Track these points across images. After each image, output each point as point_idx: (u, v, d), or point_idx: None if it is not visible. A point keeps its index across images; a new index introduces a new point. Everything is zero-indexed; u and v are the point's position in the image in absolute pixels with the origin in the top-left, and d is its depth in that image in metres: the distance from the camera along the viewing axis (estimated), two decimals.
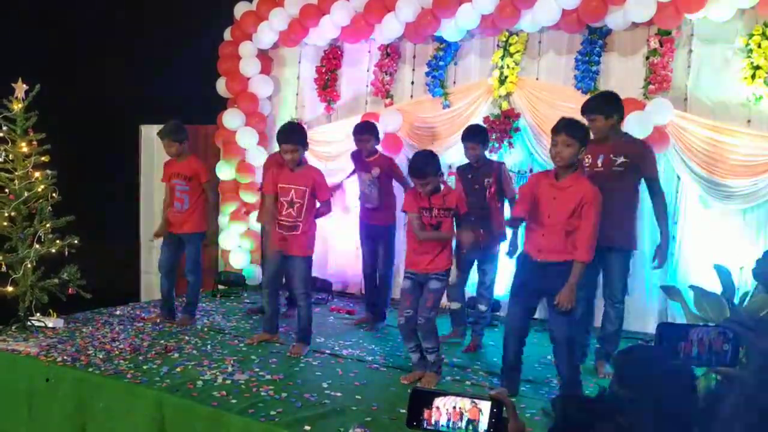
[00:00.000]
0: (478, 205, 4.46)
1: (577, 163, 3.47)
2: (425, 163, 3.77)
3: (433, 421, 1.43)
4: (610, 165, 3.94)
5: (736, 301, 3.97)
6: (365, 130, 5.03)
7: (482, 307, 4.69)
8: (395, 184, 5.12)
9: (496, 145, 5.40)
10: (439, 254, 3.81)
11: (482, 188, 4.54)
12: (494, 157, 5.21)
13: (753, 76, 4.53)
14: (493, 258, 4.67)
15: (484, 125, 5.24)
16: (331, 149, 6.14)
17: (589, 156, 3.98)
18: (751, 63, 4.53)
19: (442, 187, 3.84)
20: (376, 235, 5.13)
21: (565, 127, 3.39)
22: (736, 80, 4.64)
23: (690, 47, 4.83)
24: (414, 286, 3.85)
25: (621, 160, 3.92)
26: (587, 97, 5.00)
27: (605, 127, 3.95)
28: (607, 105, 3.97)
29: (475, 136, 4.62)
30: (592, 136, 3.97)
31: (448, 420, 1.42)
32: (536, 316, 5.11)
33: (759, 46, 4.49)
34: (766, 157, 4.47)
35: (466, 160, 4.75)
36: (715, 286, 4.02)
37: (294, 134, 4.34)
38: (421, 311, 3.80)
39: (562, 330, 3.47)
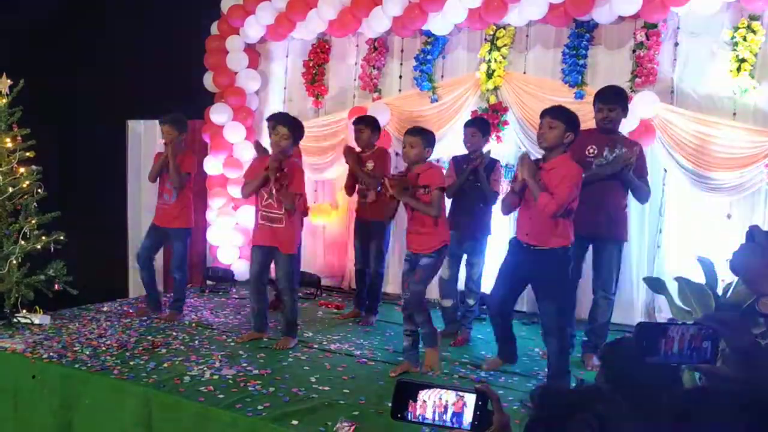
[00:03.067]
0: (469, 197, 4.47)
1: (564, 146, 3.50)
2: (424, 129, 3.97)
3: (417, 414, 1.42)
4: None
5: (719, 292, 4.00)
6: (361, 121, 5.09)
7: (470, 301, 4.70)
8: None
9: None
10: (427, 234, 3.84)
11: (476, 180, 4.54)
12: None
13: (738, 69, 4.55)
14: (480, 252, 4.67)
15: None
16: (321, 145, 6.11)
17: (594, 147, 4.02)
18: (737, 56, 4.56)
19: (424, 163, 3.90)
20: (370, 231, 5.07)
21: (549, 110, 3.53)
22: (721, 73, 4.67)
23: (676, 40, 4.85)
24: (411, 268, 3.90)
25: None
26: (574, 90, 5.06)
27: (619, 119, 4.07)
28: (624, 100, 4.11)
29: (481, 122, 4.75)
30: (601, 125, 4.08)
31: (434, 412, 1.41)
32: (524, 309, 5.18)
33: (744, 39, 4.52)
34: (751, 149, 4.51)
35: (454, 154, 4.75)
36: (699, 278, 4.04)
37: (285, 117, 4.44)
38: (410, 285, 3.85)
39: (551, 318, 3.54)
